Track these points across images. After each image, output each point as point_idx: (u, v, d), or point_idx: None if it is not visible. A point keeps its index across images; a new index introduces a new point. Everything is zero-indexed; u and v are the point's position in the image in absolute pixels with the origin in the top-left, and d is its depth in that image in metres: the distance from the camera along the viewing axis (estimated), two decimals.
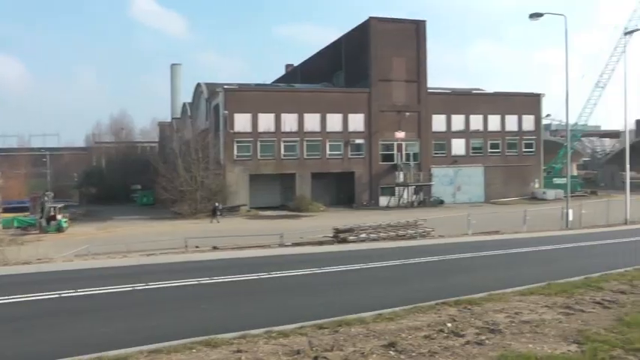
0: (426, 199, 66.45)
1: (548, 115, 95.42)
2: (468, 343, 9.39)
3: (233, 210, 57.37)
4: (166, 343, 9.54)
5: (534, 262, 21.45)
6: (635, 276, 15.77)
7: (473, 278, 16.94)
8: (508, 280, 15.66)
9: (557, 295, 13.07)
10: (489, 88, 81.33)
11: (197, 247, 27.97)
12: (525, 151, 76.29)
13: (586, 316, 11.17)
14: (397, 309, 11.76)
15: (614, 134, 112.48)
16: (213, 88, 66.82)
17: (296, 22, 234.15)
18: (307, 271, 18.26)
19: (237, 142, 61.68)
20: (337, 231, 29.99)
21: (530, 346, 9.23)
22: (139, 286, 15.60)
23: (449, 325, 10.47)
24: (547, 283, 14.32)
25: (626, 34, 61.46)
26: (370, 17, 66.59)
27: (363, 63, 67.40)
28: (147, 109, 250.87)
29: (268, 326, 10.39)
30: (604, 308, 11.93)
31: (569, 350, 9.03)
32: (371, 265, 19.67)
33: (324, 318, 10.97)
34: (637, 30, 66.14)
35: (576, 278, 15.29)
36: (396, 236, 30.31)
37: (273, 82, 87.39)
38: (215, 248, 27.34)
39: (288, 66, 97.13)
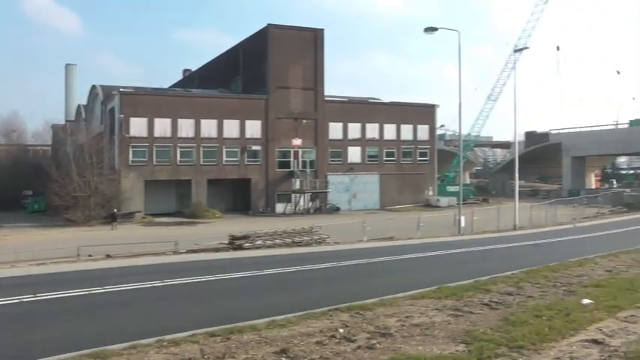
0: (322, 206, 66.80)
1: (442, 126, 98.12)
2: (359, 347, 9.48)
3: (128, 217, 55.89)
4: (53, 358, 9.18)
5: (426, 267, 21.93)
6: (521, 278, 16.38)
7: (366, 284, 17.13)
8: (400, 284, 15.85)
9: (447, 298, 13.39)
10: (386, 97, 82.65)
11: (90, 255, 27.10)
12: (420, 160, 77.95)
13: (474, 318, 11.52)
14: (290, 315, 11.72)
15: (505, 145, 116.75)
16: (109, 91, 64.97)
17: (194, 27, 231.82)
18: (201, 279, 18.00)
19: (133, 147, 60.15)
20: (233, 238, 29.78)
21: (420, 348, 9.43)
22: (27, 298, 14.93)
23: (341, 330, 10.52)
24: (437, 287, 14.63)
25: (515, 51, 64.08)
26: (269, 24, 66.51)
27: (260, 70, 67.25)
28: (40, 110, 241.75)
29: (160, 335, 10.14)
30: (491, 309, 12.34)
31: (457, 350, 9.31)
32: (266, 272, 19.59)
33: (216, 325, 10.80)
34: (526, 48, 69.19)
35: (466, 282, 15.73)
36: (292, 243, 30.37)
37: (170, 87, 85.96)
38: (109, 256, 26.61)
39: (185, 71, 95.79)
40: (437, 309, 12.28)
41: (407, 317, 11.52)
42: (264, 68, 66.24)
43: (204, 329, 10.55)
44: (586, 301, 13.12)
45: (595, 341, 9.97)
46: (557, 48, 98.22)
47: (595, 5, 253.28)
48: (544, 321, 11.08)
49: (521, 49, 68.45)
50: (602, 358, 9.15)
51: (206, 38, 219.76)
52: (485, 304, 12.76)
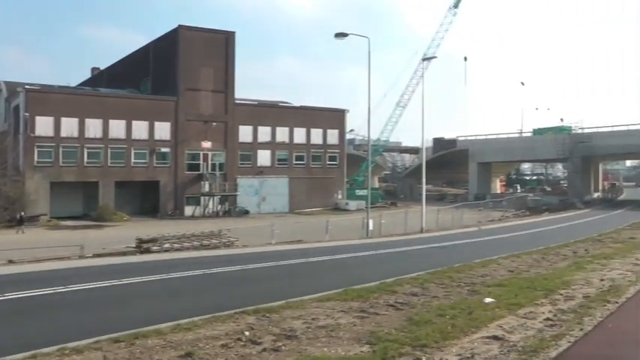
0: (232, 209, 66.52)
1: (351, 130, 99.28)
2: (264, 350, 9.40)
3: (33, 220, 53.99)
4: None
5: (334, 269, 22.01)
6: (426, 279, 16.63)
7: (273, 286, 17.03)
8: (308, 287, 15.85)
9: (354, 300, 13.43)
10: (297, 101, 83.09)
11: None
12: (329, 164, 78.58)
13: (379, 319, 11.60)
14: (196, 319, 11.48)
15: (414, 150, 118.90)
16: (13, 88, 62.62)
17: (103, 25, 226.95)
18: (106, 284, 17.50)
19: (38, 147, 58.45)
20: (140, 241, 29.25)
21: (325, 349, 9.44)
22: None
23: (247, 333, 10.41)
24: (344, 289, 14.67)
25: (424, 59, 65.40)
26: (179, 25, 65.78)
27: (170, 71, 66.41)
28: None
29: (62, 343, 9.77)
30: (396, 310, 12.47)
31: (361, 351, 9.36)
32: (173, 275, 19.22)
33: (120, 331, 10.50)
34: (434, 57, 70.78)
35: (372, 283, 15.81)
36: (200, 246, 30.05)
37: (78, 85, 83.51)
38: (11, 262, 25.58)
39: (94, 69, 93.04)
40: (343, 311, 12.31)
41: (313, 319, 11.50)
42: (174, 69, 65.43)
43: (107, 335, 10.21)
44: (488, 299, 13.46)
45: (495, 337, 10.30)
46: (465, 59, 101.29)
47: (504, 17, 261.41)
48: (447, 320, 11.29)
49: (429, 58, 70.16)
50: (502, 352, 9.46)
51: (115, 36, 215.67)
52: (391, 305, 12.88)
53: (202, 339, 10.02)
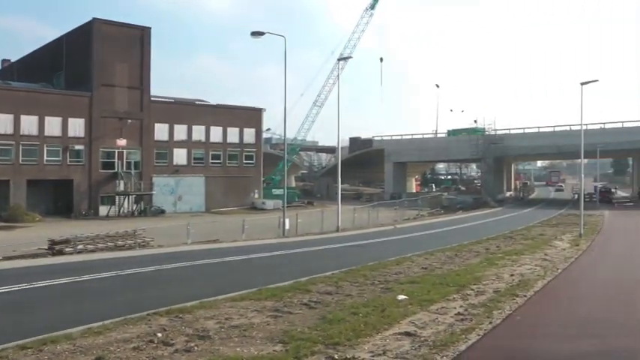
0: (147, 209, 65.23)
1: (268, 129, 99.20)
2: (177, 351, 9.31)
3: None
4: None
5: (249, 269, 21.85)
6: (340, 278, 16.73)
7: (188, 287, 16.75)
8: (222, 287, 15.66)
9: (268, 299, 13.39)
10: (215, 100, 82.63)
11: None
12: (246, 163, 78.19)
13: (293, 317, 11.62)
14: (107, 322, 11.17)
15: (330, 149, 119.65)
16: None
17: (14, 15, 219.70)
18: (15, 287, 16.85)
19: None
20: (53, 242, 28.33)
21: (238, 349, 9.39)
22: None
23: (159, 335, 10.24)
24: (258, 289, 14.61)
25: (339, 60, 65.64)
26: (94, 18, 63.84)
27: (85, 65, 64.30)
28: None
29: None
30: (310, 309, 12.50)
31: (274, 350, 9.35)
32: (85, 277, 18.67)
33: (28, 337, 10.11)
34: (349, 57, 71.38)
35: (287, 283, 15.80)
36: (115, 247, 29.35)
37: None
38: None
39: (4, 61, 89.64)
40: (256, 310, 12.26)
41: (226, 319, 11.42)
42: (89, 63, 63.37)
43: (14, 342, 9.83)
44: (401, 296, 13.65)
45: (407, 333, 10.51)
46: (381, 59, 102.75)
47: (422, 19, 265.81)
48: (360, 318, 11.41)
49: (345, 58, 70.67)
50: (413, 348, 9.65)
51: (26, 27, 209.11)
52: (305, 304, 12.91)
53: (113, 342, 9.78)
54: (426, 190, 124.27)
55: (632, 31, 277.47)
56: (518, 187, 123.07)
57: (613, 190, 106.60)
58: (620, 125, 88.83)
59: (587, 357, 9.80)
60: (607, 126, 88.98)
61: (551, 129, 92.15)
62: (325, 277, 16.83)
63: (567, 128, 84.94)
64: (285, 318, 11.58)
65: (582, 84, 35.04)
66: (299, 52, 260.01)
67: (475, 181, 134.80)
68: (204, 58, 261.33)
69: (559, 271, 19.59)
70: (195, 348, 9.45)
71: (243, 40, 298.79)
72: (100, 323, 11.10)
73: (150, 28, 68.13)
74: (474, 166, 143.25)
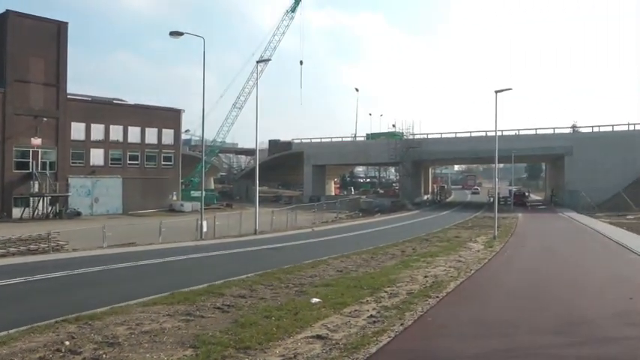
0: (63, 211, 63.37)
1: (187, 131, 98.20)
2: (84, 359, 9.07)
3: None
4: None
5: (164, 272, 21.53)
6: (255, 281, 16.66)
7: (100, 292, 16.35)
8: (135, 291, 15.37)
9: (180, 303, 13.22)
10: (135, 100, 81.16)
11: None
12: (164, 164, 77.18)
13: (205, 321, 11.50)
14: (12, 331, 10.74)
15: (250, 152, 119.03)
16: None
17: None
18: None
19: None
20: None
21: (148, 355, 9.25)
22: None
23: (67, 343, 9.94)
24: (171, 293, 14.41)
25: (258, 62, 65.42)
26: (8, 10, 61.57)
27: None
28: None
29: None
30: (223, 312, 12.40)
31: (185, 355, 9.26)
32: None
33: None
34: (268, 60, 71.33)
35: (201, 286, 15.62)
36: (27, 251, 28.57)
37: None
38: None
39: None
40: (168, 315, 12.07)
41: (137, 325, 11.20)
42: (2, 58, 60.91)
43: None
44: (315, 299, 13.69)
45: (319, 336, 10.56)
46: (301, 62, 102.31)
47: (343, 23, 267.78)
48: (273, 321, 11.39)
49: (264, 61, 70.50)
50: (324, 351, 9.70)
51: None
52: (218, 308, 12.80)
53: (18, 352, 9.42)
54: (345, 193, 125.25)
55: (546, 39, 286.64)
56: (436, 190, 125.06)
57: (527, 194, 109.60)
58: (533, 132, 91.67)
59: (491, 355, 10.02)
60: (521, 132, 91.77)
61: (468, 134, 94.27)
62: (240, 281, 16.72)
63: (483, 134, 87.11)
64: (197, 322, 11.45)
65: (496, 92, 35.95)
66: (220, 54, 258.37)
67: (393, 185, 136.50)
68: (123, 57, 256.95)
69: (472, 272, 20.01)
70: (104, 356, 9.24)
71: (164, 40, 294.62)
72: (5, 333, 10.70)
73: (67, 23, 66.08)
74: (392, 169, 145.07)
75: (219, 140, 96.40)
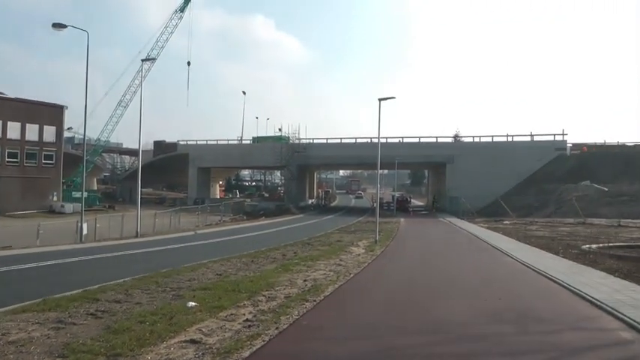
0: None
1: (70, 128, 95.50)
2: None
3: None
4: None
5: (38, 277, 20.75)
6: (132, 285, 16.35)
7: None
8: (3, 299, 14.76)
9: (51, 310, 12.73)
10: (12, 93, 77.83)
11: None
12: (45, 163, 74.85)
13: (76, 329, 11.14)
14: None
15: (134, 152, 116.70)
16: None
17: None
18: None
19: None
20: None
21: None
22: None
23: None
24: (42, 299, 13.85)
25: (143, 61, 64.47)
26: None
27: None
28: None
29: None
30: (96, 319, 12.05)
31: None
32: None
33: None
34: (153, 59, 70.38)
35: (75, 291, 15.17)
36: None
37: None
38: None
39: None
40: (38, 323, 11.59)
41: (3, 335, 10.65)
42: None
43: None
44: (191, 303, 13.58)
45: (193, 341, 10.47)
46: (189, 63, 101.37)
47: (232, 27, 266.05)
48: (147, 326, 11.21)
49: (149, 60, 69.53)
50: (197, 356, 9.66)
51: None
52: (91, 314, 12.44)
53: None
54: (230, 196, 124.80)
55: (430, 48, 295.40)
56: (321, 194, 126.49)
57: (409, 200, 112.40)
58: (417, 140, 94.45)
59: (363, 356, 10.27)
60: (406, 140, 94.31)
61: (353, 140, 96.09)
62: (116, 285, 16.36)
63: (368, 140, 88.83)
64: (69, 330, 11.08)
65: (380, 100, 36.66)
66: (106, 50, 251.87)
67: (279, 188, 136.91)
68: (2, 47, 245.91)
69: (351, 275, 20.30)
70: None
71: (47, 32, 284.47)
72: None
73: None
74: (278, 173, 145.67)
75: (103, 139, 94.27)
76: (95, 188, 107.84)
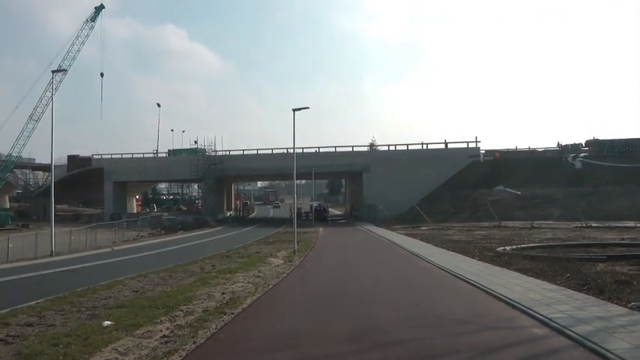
0: None
1: None
2: None
3: None
4: None
5: None
6: (45, 307, 15.88)
7: None
8: None
9: None
10: None
11: None
12: None
13: None
14: None
15: (48, 167, 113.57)
16: None
17: None
18: None
19: None
20: None
21: None
22: None
23: None
24: None
25: (54, 72, 62.71)
26: None
27: None
28: None
29: None
30: (6, 345, 11.59)
31: None
32: None
33: None
34: (64, 70, 68.62)
35: None
36: None
37: None
38: None
39: None
40: None
41: None
42: None
43: None
44: (107, 322, 13.32)
45: None
46: (102, 74, 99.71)
47: (145, 37, 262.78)
48: (60, 349, 10.91)
49: (59, 71, 67.72)
50: None
51: None
52: (1, 340, 11.95)
53: None
54: (148, 210, 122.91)
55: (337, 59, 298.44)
56: (239, 206, 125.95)
57: (327, 209, 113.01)
58: (333, 150, 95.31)
59: None
60: (322, 150, 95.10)
61: (269, 151, 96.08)
62: (28, 308, 15.82)
63: (284, 151, 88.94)
64: None
65: (294, 110, 36.88)
66: (16, 60, 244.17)
67: (197, 201, 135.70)
68: None
69: (270, 287, 20.34)
70: None
71: None
72: None
73: None
74: (195, 186, 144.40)
75: (15, 155, 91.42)
76: (7, 206, 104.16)
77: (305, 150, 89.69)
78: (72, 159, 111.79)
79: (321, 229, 68.54)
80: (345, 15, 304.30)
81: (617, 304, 14.34)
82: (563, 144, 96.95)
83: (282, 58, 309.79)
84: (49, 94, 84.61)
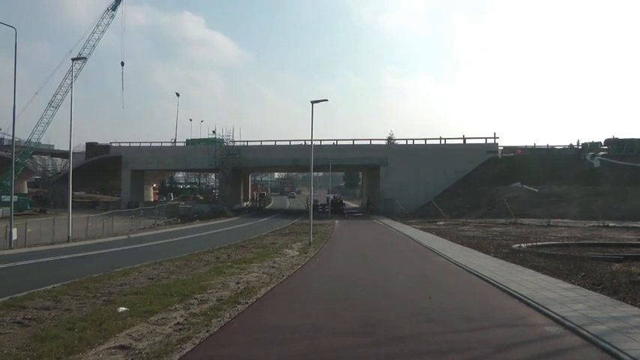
0: None
1: None
2: None
3: None
4: None
5: None
6: (61, 291, 16.05)
7: None
8: None
9: None
10: None
11: None
12: None
13: (1, 338, 10.86)
14: None
15: (66, 154, 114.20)
16: None
17: None
18: None
19: None
20: None
21: None
22: None
23: None
24: None
25: (73, 60, 62.95)
26: None
27: None
28: None
29: None
30: (23, 327, 11.79)
31: None
32: None
33: None
34: (84, 58, 68.76)
35: (0, 299, 14.78)
36: None
37: None
38: None
39: None
40: None
41: None
42: None
43: None
44: (122, 308, 13.44)
45: (122, 347, 10.34)
46: (122, 64, 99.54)
47: (165, 27, 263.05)
48: (76, 333, 11.04)
49: (79, 59, 67.90)
50: None
51: None
52: (18, 322, 12.16)
53: None
54: (165, 199, 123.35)
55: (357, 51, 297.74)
56: (256, 197, 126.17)
57: (344, 202, 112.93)
58: (351, 142, 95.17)
59: (294, 357, 10.29)
60: (340, 143, 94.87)
61: (287, 143, 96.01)
62: (45, 292, 16.02)
63: (302, 143, 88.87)
64: None
65: (313, 102, 36.83)
66: (36, 47, 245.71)
67: (214, 191, 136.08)
68: None
69: (284, 278, 20.35)
70: None
71: None
72: None
73: None
74: (212, 176, 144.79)
75: (34, 141, 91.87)
76: (26, 192, 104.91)
77: (323, 142, 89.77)
78: (90, 146, 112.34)
79: (337, 221, 68.57)
80: (364, 6, 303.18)
81: (631, 304, 14.23)
82: (582, 142, 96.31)
83: (300, 48, 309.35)
84: (68, 81, 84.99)
